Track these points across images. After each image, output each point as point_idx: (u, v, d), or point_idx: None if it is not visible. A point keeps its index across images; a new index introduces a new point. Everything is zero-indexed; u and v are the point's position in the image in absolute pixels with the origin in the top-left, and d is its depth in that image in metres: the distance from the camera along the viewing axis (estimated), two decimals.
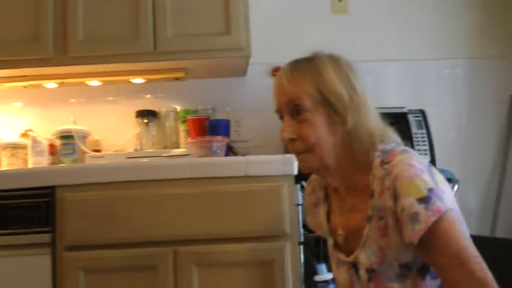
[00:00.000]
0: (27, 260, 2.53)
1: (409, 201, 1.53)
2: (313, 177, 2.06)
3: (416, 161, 1.60)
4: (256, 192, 2.58)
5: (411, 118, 3.15)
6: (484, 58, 3.81)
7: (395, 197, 1.57)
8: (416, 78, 3.73)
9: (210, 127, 3.23)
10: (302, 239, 2.72)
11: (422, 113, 3.21)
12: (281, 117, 1.82)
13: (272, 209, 2.57)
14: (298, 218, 2.66)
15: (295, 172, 2.62)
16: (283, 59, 3.64)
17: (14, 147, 3.36)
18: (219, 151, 2.95)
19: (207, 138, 3.09)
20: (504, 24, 3.86)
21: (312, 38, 3.66)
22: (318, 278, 2.68)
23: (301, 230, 2.71)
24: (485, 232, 3.57)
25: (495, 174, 3.71)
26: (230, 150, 3.39)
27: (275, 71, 3.66)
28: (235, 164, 2.61)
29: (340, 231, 1.83)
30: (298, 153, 1.77)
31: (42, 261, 2.53)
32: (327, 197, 1.97)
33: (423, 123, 3.17)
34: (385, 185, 1.61)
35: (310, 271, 2.82)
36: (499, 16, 3.86)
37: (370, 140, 1.71)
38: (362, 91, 1.73)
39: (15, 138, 3.46)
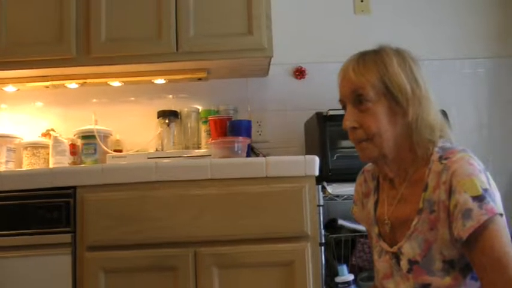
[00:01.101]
0: (48, 260, 2.54)
1: (463, 198, 1.56)
2: (366, 168, 2.09)
3: (475, 161, 1.64)
4: (277, 193, 2.57)
5: None
6: (506, 57, 3.78)
7: (450, 192, 1.60)
8: (437, 78, 3.68)
9: (231, 127, 3.22)
10: (323, 240, 2.71)
11: (443, 112, 3.18)
12: (343, 107, 1.85)
13: (293, 209, 2.56)
14: (319, 219, 2.66)
15: (316, 173, 2.61)
16: (306, 60, 3.68)
17: (35, 146, 3.37)
18: (240, 152, 2.94)
19: (229, 138, 3.08)
20: None
21: (334, 38, 3.66)
22: (338, 279, 2.68)
23: (322, 231, 2.71)
24: None
25: None
26: (251, 151, 3.39)
27: (297, 71, 3.66)
28: (256, 165, 2.61)
29: (386, 221, 1.85)
30: (358, 142, 1.80)
31: (62, 261, 2.54)
32: (377, 188, 1.98)
33: None
34: (441, 179, 1.64)
35: (331, 272, 2.82)
36: None
37: (430, 134, 1.75)
38: (425, 85, 1.78)
39: (36, 137, 3.48)
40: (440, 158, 1.68)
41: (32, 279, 2.53)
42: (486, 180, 1.59)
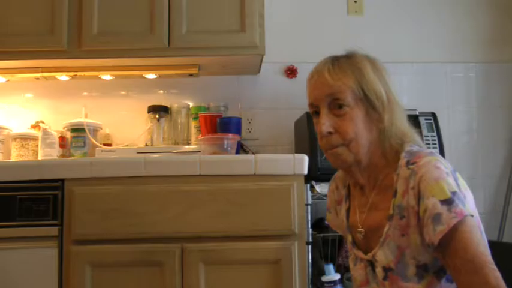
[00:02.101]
0: (34, 252, 2.52)
1: (432, 202, 1.55)
2: (337, 175, 2.08)
3: (442, 164, 1.63)
4: (265, 191, 2.57)
5: (422, 121, 3.13)
6: (497, 62, 3.81)
7: (419, 197, 1.60)
8: (429, 81, 3.72)
9: (221, 124, 3.22)
10: (310, 239, 2.71)
11: (433, 115, 3.19)
12: (314, 112, 1.83)
13: (281, 208, 2.56)
14: (307, 217, 2.67)
15: (305, 172, 2.61)
16: (297, 59, 3.69)
17: (24, 138, 3.36)
18: (229, 149, 2.94)
19: (218, 135, 3.07)
20: None
21: (327, 38, 3.67)
22: (325, 278, 2.68)
23: (310, 230, 2.71)
24: (493, 237, 3.55)
25: (504, 178, 3.70)
26: (241, 148, 3.39)
27: (288, 70, 3.66)
28: (245, 162, 2.60)
29: (359, 229, 1.85)
30: (332, 147, 1.77)
31: (49, 254, 2.53)
32: (349, 195, 1.98)
33: (434, 126, 3.15)
34: (409, 184, 1.64)
35: (317, 271, 2.82)
36: None
37: (401, 140, 1.75)
38: (395, 92, 1.79)
39: (25, 129, 3.46)
40: (408, 163, 1.67)
41: (17, 272, 2.52)
42: (454, 183, 1.59)
